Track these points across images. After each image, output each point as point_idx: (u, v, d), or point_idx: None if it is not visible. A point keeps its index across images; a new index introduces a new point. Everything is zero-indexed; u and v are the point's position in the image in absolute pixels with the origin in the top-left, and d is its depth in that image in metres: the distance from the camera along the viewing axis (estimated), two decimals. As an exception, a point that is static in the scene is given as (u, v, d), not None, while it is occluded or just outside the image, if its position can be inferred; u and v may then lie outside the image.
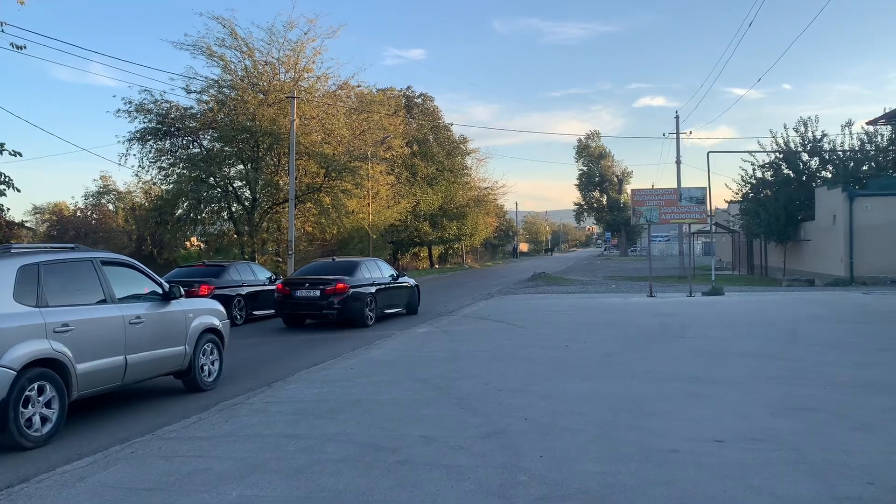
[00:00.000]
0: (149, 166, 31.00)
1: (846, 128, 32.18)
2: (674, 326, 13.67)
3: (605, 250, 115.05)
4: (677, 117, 40.03)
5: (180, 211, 30.53)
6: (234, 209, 32.61)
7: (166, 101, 30.98)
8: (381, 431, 6.22)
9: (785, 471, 4.87)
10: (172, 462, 5.47)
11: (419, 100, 54.20)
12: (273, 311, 17.28)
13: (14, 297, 6.39)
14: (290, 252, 29.16)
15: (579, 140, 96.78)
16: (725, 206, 44.08)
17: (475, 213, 57.76)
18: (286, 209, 30.53)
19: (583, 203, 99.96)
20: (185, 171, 30.43)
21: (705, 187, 21.28)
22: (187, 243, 38.56)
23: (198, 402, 8.20)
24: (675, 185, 32.33)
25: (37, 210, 52.04)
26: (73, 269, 7.21)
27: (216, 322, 9.27)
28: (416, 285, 19.15)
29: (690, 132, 65.28)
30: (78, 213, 49.15)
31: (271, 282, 18.62)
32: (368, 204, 39.06)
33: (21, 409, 6.18)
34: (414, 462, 5.26)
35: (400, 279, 17.95)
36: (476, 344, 11.84)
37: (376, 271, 17.00)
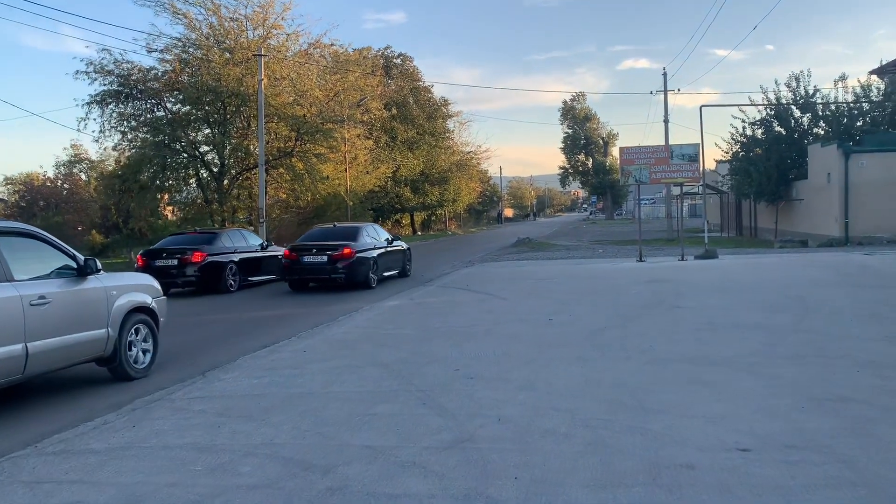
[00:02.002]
0: (110, 131, 29.33)
1: (839, 82, 30.95)
2: (668, 294, 12.48)
3: (590, 214, 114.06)
4: (665, 74, 38.64)
5: (144, 178, 28.80)
6: (201, 176, 30.99)
7: (127, 62, 29.24)
8: (319, 440, 4.96)
9: (840, 498, 3.66)
10: (37, 491, 4.20)
11: (398, 60, 52.31)
12: (267, 276, 18.05)
13: None
14: (261, 220, 27.66)
15: (564, 102, 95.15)
16: (714, 166, 42.89)
17: (458, 178, 56.33)
18: (257, 175, 28.97)
19: (568, 166, 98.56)
20: (147, 136, 28.73)
21: (698, 144, 19.96)
22: (167, 213, 36.74)
23: (113, 397, 6.90)
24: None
25: (8, 181, 50.04)
26: None
27: (147, 300, 8.01)
28: (409, 248, 19.74)
29: (679, 90, 63.36)
30: (48, 183, 47.31)
31: (263, 248, 18.72)
32: (346, 169, 37.53)
33: None
34: (349, 489, 4.00)
35: (395, 243, 18.50)
36: (451, 319, 10.60)
37: (375, 236, 17.57)
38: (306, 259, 15.99)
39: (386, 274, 17.38)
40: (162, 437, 5.23)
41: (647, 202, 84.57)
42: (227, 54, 29.45)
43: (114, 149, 29.90)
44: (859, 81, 30.60)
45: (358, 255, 15.96)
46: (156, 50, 28.81)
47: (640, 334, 8.60)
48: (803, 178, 29.54)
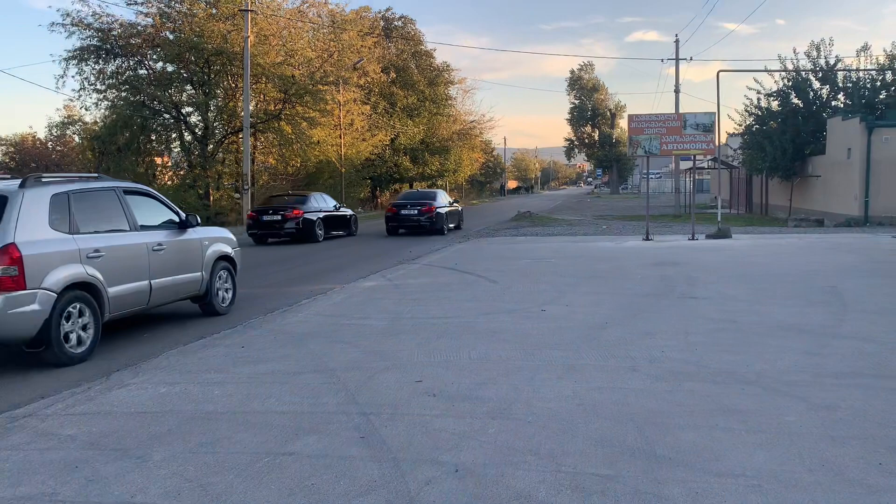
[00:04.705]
0: (89, 90, 27.67)
1: (861, 53, 29.13)
2: (680, 281, 10.98)
3: (595, 188, 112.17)
4: (677, 41, 36.71)
5: (122, 139, 27.15)
6: (185, 139, 29.34)
7: (108, 15, 27.46)
8: (199, 499, 3.51)
9: None
10: None
11: (399, 23, 50.18)
12: (340, 232, 22.89)
13: (49, 225, 6.53)
14: (245, 187, 26.11)
15: (572, 71, 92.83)
16: (725, 139, 41.07)
17: (459, 147, 54.48)
18: (243, 139, 27.32)
19: (574, 139, 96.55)
20: (126, 95, 27.05)
21: (714, 113, 18.25)
22: (165, 178, 34.91)
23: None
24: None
25: (1, 141, 48.49)
26: (99, 198, 7.34)
27: (229, 250, 9.51)
28: (462, 209, 26.81)
29: (691, 58, 60.97)
30: (37, 145, 45.81)
31: (336, 209, 22.88)
32: (340, 136, 35.85)
33: (63, 324, 6.42)
34: None
35: (454, 204, 25.12)
36: (428, 306, 9.13)
37: (444, 199, 24.02)
38: (403, 212, 22.53)
39: (451, 225, 23.72)
40: (-10, 483, 3.79)
41: (653, 176, 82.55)
42: (213, 10, 27.66)
43: (86, 108, 28.21)
44: (885, 51, 28.74)
45: (437, 210, 22.44)
46: (135, 2, 27.01)
47: (648, 334, 7.12)
48: (820, 153, 27.91)
